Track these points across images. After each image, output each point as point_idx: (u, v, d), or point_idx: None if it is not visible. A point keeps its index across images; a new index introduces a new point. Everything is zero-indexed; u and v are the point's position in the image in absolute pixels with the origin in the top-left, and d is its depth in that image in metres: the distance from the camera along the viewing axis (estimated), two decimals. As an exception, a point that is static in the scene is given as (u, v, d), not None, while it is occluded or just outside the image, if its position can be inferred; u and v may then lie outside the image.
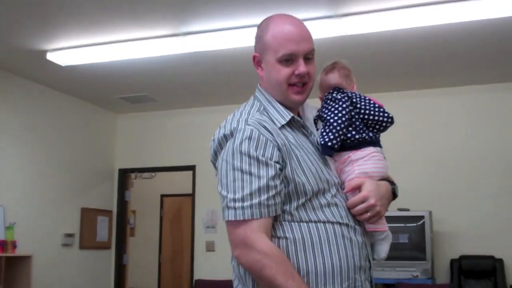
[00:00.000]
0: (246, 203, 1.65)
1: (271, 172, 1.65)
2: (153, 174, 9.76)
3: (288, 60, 1.79)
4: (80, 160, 7.21)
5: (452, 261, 6.14)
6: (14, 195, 6.12)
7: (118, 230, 7.74)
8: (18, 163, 6.24)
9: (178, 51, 5.35)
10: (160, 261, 10.19)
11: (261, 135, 1.69)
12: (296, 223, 1.68)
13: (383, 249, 1.86)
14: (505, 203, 6.17)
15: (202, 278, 7.01)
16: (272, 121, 1.78)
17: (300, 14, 4.63)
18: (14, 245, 5.84)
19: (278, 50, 1.79)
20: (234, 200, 1.67)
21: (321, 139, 1.81)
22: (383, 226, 1.84)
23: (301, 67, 1.79)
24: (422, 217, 5.88)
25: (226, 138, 1.76)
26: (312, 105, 2.01)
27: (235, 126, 1.74)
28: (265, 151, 1.67)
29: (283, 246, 1.67)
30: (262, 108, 1.83)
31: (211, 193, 7.28)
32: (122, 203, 7.83)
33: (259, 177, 1.65)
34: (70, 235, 6.89)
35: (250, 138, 1.69)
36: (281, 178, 1.68)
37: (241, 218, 1.65)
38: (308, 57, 1.82)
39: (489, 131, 6.40)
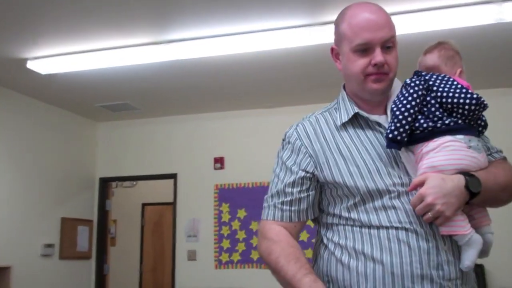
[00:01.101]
0: (266, 204, 1.77)
1: (291, 179, 1.72)
2: (134, 183, 9.70)
3: (364, 50, 1.67)
4: (60, 169, 7.14)
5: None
6: (-8, 205, 6.04)
7: (99, 239, 7.66)
8: (-4, 172, 6.16)
9: (159, 59, 5.33)
10: (141, 270, 10.11)
11: (297, 140, 1.75)
12: (349, 227, 1.65)
13: (467, 256, 1.58)
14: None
15: (184, 287, 6.96)
16: (336, 120, 1.75)
17: (278, 23, 4.67)
18: (-8, 256, 5.76)
19: (353, 40, 1.68)
20: (265, 200, 1.79)
21: (386, 132, 1.64)
22: (462, 229, 1.57)
23: (378, 57, 1.65)
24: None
25: (283, 140, 1.84)
26: None
27: (288, 129, 1.81)
28: (296, 157, 1.73)
29: (337, 253, 1.66)
30: (335, 107, 1.81)
31: (192, 201, 7.27)
32: (103, 213, 7.76)
33: (281, 181, 1.74)
34: (49, 246, 6.81)
35: (288, 142, 1.78)
36: (305, 186, 1.71)
37: (261, 218, 1.78)
38: (387, 46, 1.68)
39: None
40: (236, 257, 6.93)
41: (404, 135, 1.60)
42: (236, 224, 7.00)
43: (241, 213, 6.98)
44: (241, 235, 6.95)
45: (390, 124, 1.63)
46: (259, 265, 6.74)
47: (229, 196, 7.08)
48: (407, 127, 1.61)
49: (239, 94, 6.68)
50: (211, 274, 6.96)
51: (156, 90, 6.48)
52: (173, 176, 7.46)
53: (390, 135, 1.60)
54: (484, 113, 1.73)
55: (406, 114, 1.61)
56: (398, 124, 1.60)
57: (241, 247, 6.94)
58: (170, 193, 7.59)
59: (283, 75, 5.95)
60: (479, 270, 6.00)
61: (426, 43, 1.90)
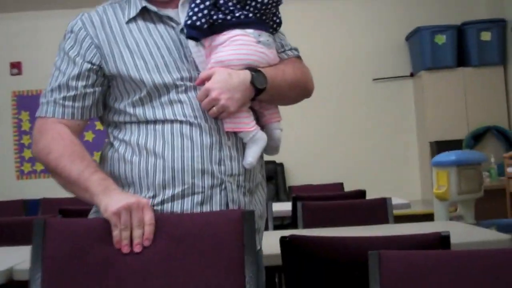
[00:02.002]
0: (45, 99, 1.62)
1: (75, 71, 1.59)
2: None
3: None
4: None
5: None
6: None
7: None
8: None
9: None
10: None
11: (82, 30, 1.62)
12: (135, 123, 1.59)
13: (249, 152, 1.58)
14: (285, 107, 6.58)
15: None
16: (125, 13, 1.64)
17: None
18: None
19: None
20: (43, 95, 1.64)
21: (184, 20, 1.58)
22: (246, 125, 1.58)
23: None
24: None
25: (66, 31, 1.68)
26: None
27: (73, 19, 1.67)
28: (80, 48, 1.61)
29: (121, 150, 1.60)
30: (125, 0, 1.67)
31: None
32: None
33: (64, 74, 1.61)
34: None
35: (72, 32, 1.64)
36: (91, 81, 1.60)
37: (38, 115, 1.63)
38: None
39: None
40: (39, 166, 6.71)
41: (203, 20, 1.56)
42: (38, 133, 6.72)
43: (44, 121, 6.70)
44: (44, 144, 6.71)
45: (188, 11, 1.58)
46: (64, 173, 6.60)
47: (29, 103, 6.69)
48: (205, 11, 1.57)
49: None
50: (13, 185, 6.68)
51: None
52: None
53: (189, 22, 1.56)
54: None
55: (207, 2, 1.56)
56: (196, 9, 1.56)
57: (44, 156, 6.71)
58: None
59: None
60: (279, 168, 6.43)
61: None
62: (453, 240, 1.88)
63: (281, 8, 1.72)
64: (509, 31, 6.03)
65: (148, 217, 1.43)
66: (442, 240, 1.84)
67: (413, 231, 2.01)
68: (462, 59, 6.16)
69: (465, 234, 2.54)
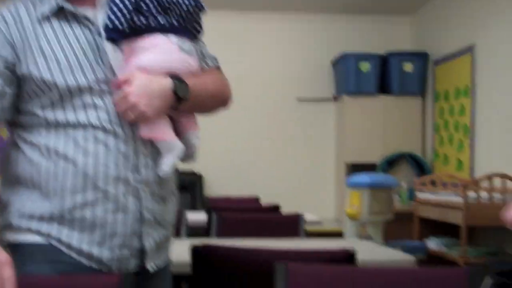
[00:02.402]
0: None
1: None
2: None
3: None
4: None
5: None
6: None
7: None
8: None
9: None
10: None
11: None
12: (45, 126, 1.50)
13: (164, 161, 1.56)
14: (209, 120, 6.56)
15: None
16: (38, 11, 1.54)
17: None
18: None
19: None
20: None
21: (104, 22, 1.52)
22: (163, 134, 1.56)
23: None
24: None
25: None
26: None
27: None
28: None
29: (27, 152, 1.51)
30: None
31: None
32: None
33: None
34: None
35: None
36: (9, 79, 1.49)
37: None
38: None
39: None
40: None
41: (125, 25, 1.52)
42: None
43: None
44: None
45: (109, 13, 1.53)
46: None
47: None
48: (127, 15, 1.53)
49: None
50: None
51: None
52: None
53: (109, 23, 1.51)
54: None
55: (127, 2, 1.53)
56: (117, 11, 1.52)
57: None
58: None
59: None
60: (198, 178, 6.41)
61: None
62: (360, 257, 1.94)
63: (206, 22, 1.71)
64: (430, 64, 6.28)
65: (7, 274, 1.24)
66: (348, 257, 1.89)
67: (322, 247, 2.06)
68: (383, 87, 6.34)
69: (372, 252, 2.62)
